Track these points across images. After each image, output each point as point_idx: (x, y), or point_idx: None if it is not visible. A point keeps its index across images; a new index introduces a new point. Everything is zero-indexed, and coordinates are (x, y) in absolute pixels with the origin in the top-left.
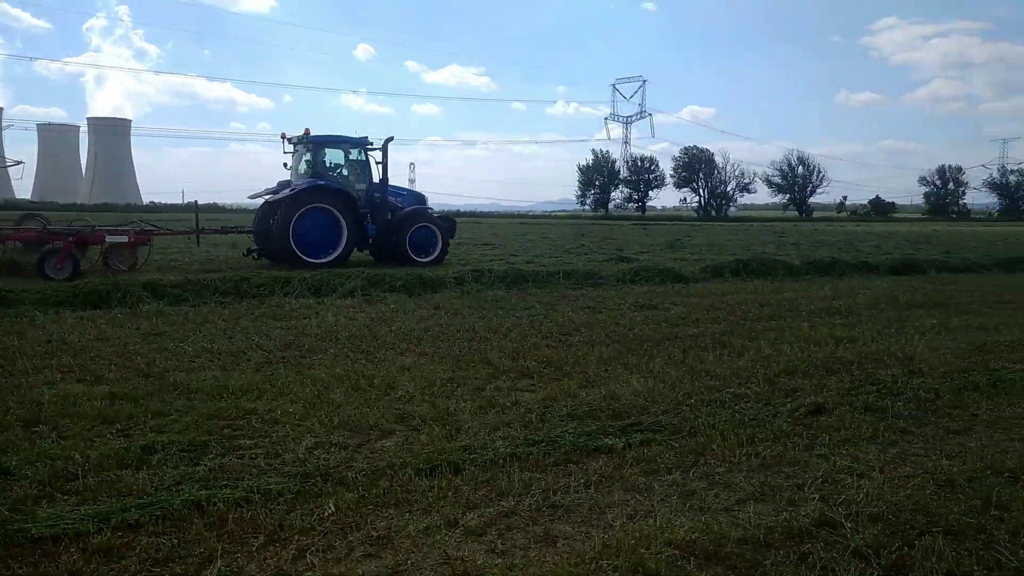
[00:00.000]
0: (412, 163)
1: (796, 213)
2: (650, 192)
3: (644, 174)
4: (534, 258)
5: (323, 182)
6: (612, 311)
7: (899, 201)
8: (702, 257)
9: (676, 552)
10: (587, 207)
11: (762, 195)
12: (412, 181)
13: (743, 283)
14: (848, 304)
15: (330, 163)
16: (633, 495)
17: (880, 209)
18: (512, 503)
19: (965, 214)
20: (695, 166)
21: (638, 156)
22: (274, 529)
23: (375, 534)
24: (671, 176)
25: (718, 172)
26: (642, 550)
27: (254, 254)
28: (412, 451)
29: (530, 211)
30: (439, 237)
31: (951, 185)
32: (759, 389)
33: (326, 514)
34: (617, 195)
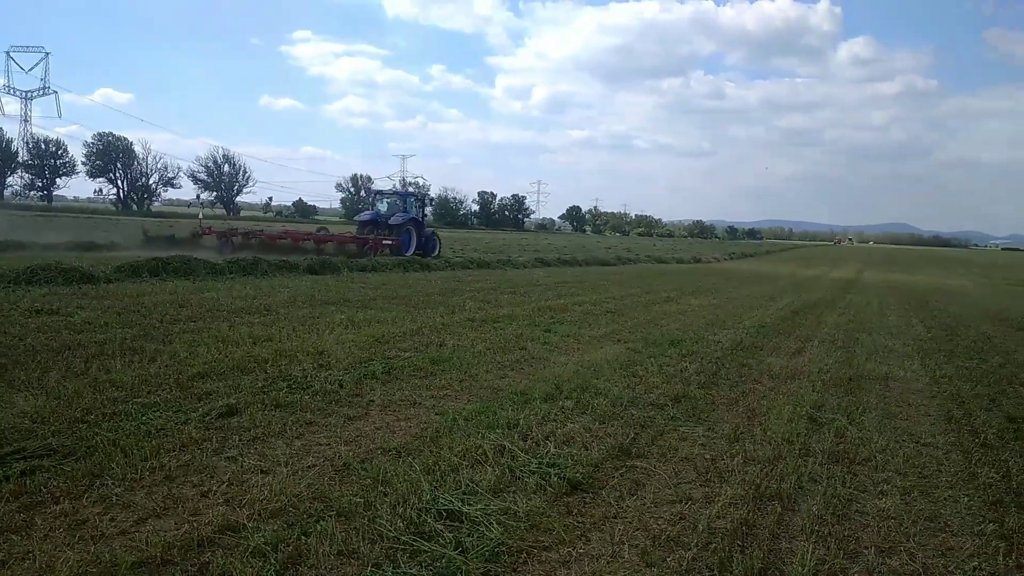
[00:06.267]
0: None
1: (224, 211)
2: (57, 180)
3: (49, 159)
4: None
5: (411, 215)
6: None
7: (320, 204)
8: (117, 254)
9: None
10: None
11: (188, 190)
12: None
13: (163, 283)
14: (268, 303)
15: (406, 206)
16: (8, 537)
17: (303, 211)
18: None
19: None
20: (112, 154)
21: (41, 138)
22: None
23: None
24: (83, 164)
25: (139, 163)
26: None
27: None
28: None
29: None
30: (439, 243)
31: (363, 192)
32: (170, 396)
33: None
34: (15, 181)
